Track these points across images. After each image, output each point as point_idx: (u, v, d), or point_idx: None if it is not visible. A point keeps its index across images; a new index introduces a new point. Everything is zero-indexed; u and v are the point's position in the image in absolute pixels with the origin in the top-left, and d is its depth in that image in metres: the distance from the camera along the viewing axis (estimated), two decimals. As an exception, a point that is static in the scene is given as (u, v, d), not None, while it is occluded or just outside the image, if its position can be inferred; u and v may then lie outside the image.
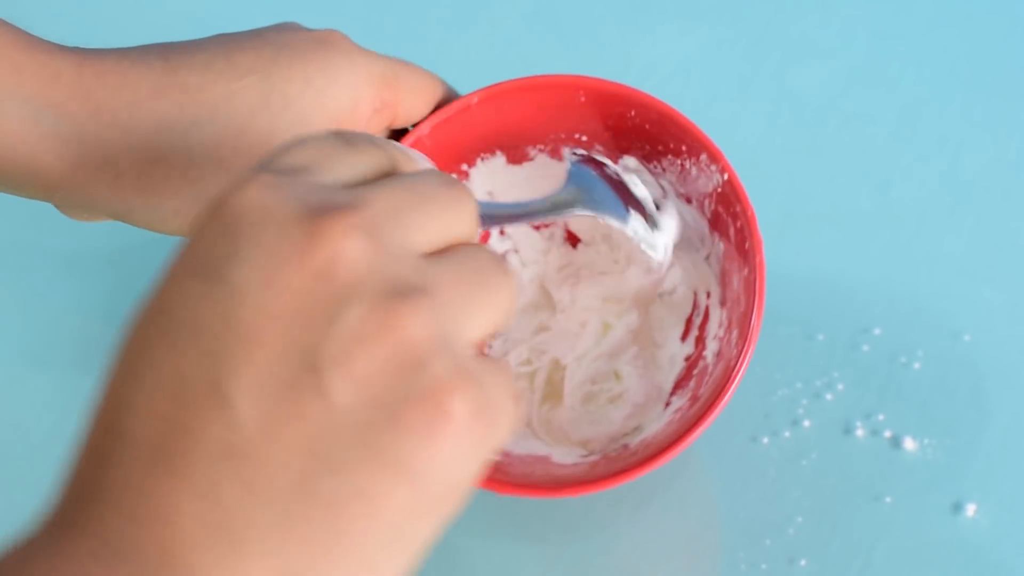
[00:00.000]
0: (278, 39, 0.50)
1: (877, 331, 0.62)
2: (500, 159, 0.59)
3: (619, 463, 0.53)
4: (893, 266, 0.63)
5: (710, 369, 0.55)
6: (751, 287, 0.53)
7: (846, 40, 0.69)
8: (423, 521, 0.32)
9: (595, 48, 0.68)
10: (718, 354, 0.55)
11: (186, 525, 0.30)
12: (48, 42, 0.47)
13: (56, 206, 0.51)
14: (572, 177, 0.52)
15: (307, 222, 0.31)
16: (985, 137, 0.66)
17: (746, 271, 0.53)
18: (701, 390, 0.54)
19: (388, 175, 0.35)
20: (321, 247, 0.31)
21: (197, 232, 0.32)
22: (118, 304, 0.65)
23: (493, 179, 0.59)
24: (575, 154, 0.55)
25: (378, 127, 0.53)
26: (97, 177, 0.47)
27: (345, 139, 0.35)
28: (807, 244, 0.63)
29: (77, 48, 0.48)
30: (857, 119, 0.67)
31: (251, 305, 0.30)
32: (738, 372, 0.52)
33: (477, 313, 0.33)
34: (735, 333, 0.53)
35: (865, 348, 0.61)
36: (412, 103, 0.53)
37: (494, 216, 0.48)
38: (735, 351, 0.52)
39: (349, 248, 0.31)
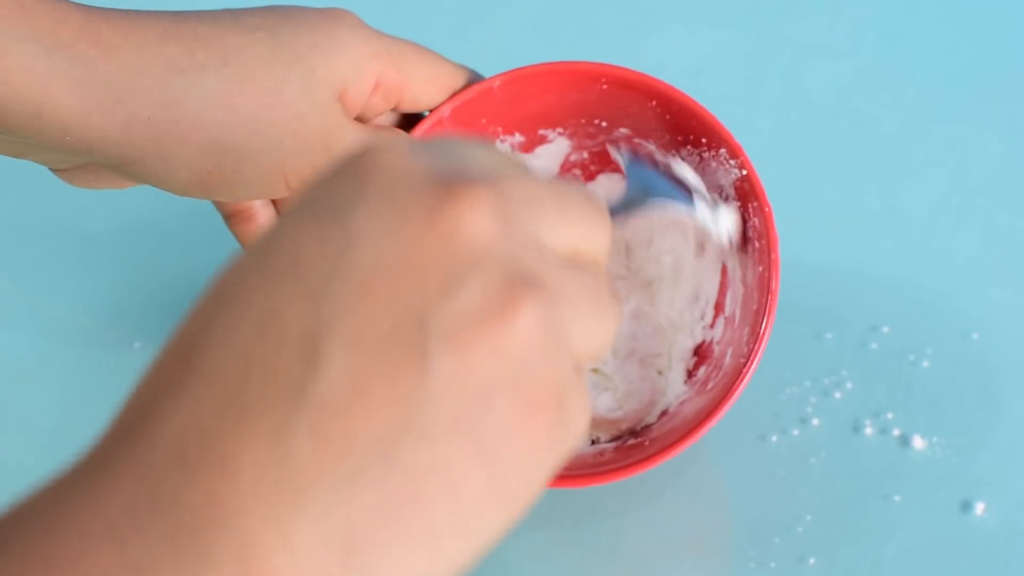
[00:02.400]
0: (284, 10, 0.50)
1: (886, 329, 0.61)
2: (518, 141, 0.59)
3: (630, 456, 0.53)
4: (902, 265, 0.63)
5: (724, 365, 0.55)
6: (764, 284, 0.53)
7: (855, 41, 0.69)
8: (495, 513, 0.30)
9: (603, 48, 0.68)
10: (731, 349, 0.55)
11: (245, 474, 0.27)
12: None
13: (59, 171, 0.50)
14: (631, 175, 0.51)
15: (442, 185, 0.30)
16: (993, 137, 0.66)
17: (761, 268, 0.53)
18: (710, 384, 0.54)
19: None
20: (452, 210, 0.30)
21: (320, 179, 0.31)
22: (125, 302, 0.65)
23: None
24: (623, 152, 0.54)
25: (381, 105, 0.52)
26: (108, 119, 0.46)
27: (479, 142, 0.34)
28: (816, 243, 0.63)
29: (82, 3, 0.47)
30: (866, 119, 0.67)
31: (366, 252, 0.29)
32: (750, 367, 0.51)
33: (588, 329, 0.32)
34: (747, 329, 0.53)
35: (874, 347, 0.61)
36: (422, 88, 0.53)
37: None
38: (747, 347, 0.52)
39: (480, 219, 0.30)
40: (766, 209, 0.53)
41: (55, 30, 0.45)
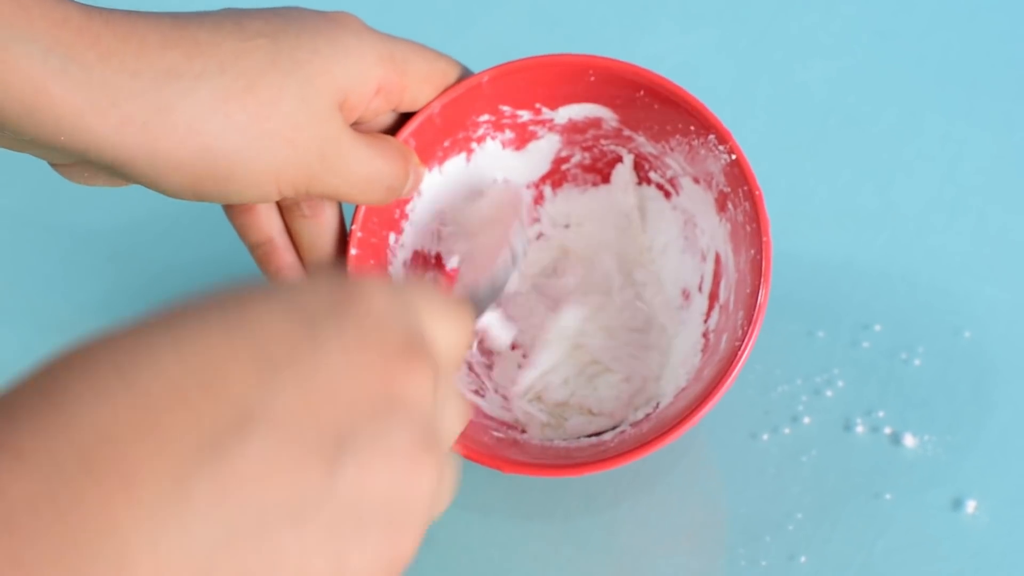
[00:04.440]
0: (287, 13, 0.50)
1: (878, 328, 0.61)
2: (509, 138, 0.59)
3: (628, 444, 0.53)
4: (894, 263, 0.63)
5: (719, 351, 0.55)
6: (757, 267, 0.53)
7: (848, 38, 0.69)
8: None
9: (596, 46, 0.68)
10: (726, 335, 0.55)
11: (144, 495, 0.29)
12: None
13: (57, 166, 0.50)
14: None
15: (405, 348, 0.35)
16: (986, 135, 0.66)
17: (752, 252, 0.54)
18: (706, 371, 0.54)
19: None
20: (405, 370, 0.34)
21: (313, 287, 0.35)
22: (118, 300, 0.65)
23: (501, 159, 0.59)
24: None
25: (381, 108, 0.53)
26: (103, 122, 0.46)
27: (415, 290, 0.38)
28: (808, 241, 0.63)
29: (83, 3, 0.47)
30: (858, 117, 0.67)
31: (322, 363, 0.33)
32: (744, 349, 0.52)
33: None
34: (741, 314, 0.54)
35: (865, 345, 0.61)
36: (420, 88, 0.53)
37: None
38: (741, 330, 0.53)
39: (422, 386, 0.35)
40: (756, 193, 0.54)
41: (53, 30, 0.45)
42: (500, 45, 0.69)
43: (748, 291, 0.54)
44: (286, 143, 0.49)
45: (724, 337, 0.55)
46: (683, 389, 0.56)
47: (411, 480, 0.34)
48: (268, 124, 0.48)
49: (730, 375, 0.51)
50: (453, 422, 0.38)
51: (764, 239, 0.53)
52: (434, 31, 0.69)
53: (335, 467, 0.32)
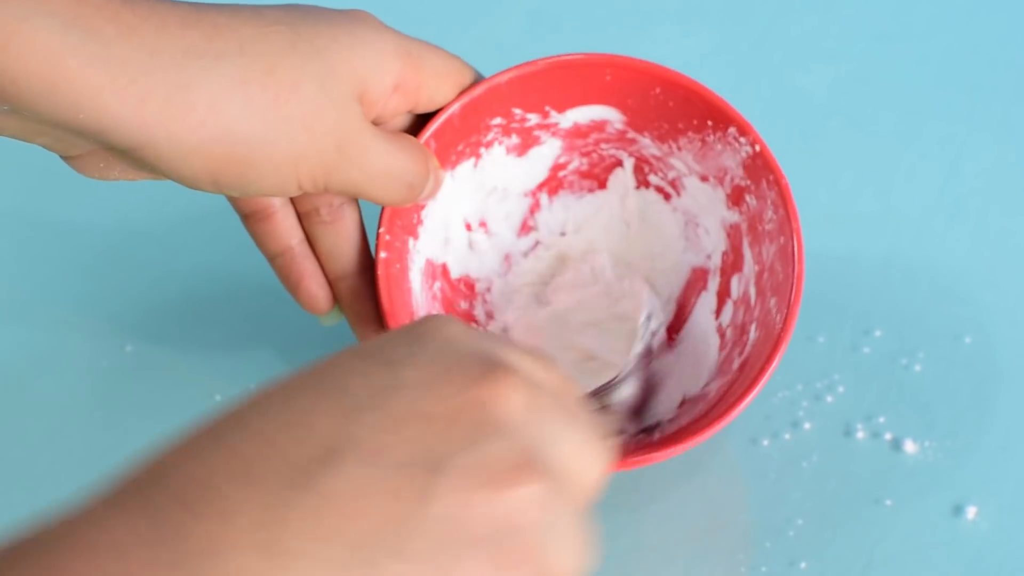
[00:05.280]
0: (304, 8, 0.50)
1: (878, 333, 0.61)
2: (514, 143, 0.59)
3: (665, 441, 0.53)
4: (894, 268, 0.63)
5: (747, 341, 0.55)
6: (789, 255, 0.54)
7: (847, 41, 0.69)
8: None
9: (598, 47, 0.68)
10: (754, 325, 0.55)
11: (243, 524, 0.31)
12: None
13: (70, 159, 0.50)
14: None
15: (488, 363, 0.35)
16: (986, 139, 0.66)
17: (782, 239, 0.54)
18: (735, 363, 0.55)
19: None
20: (491, 384, 0.34)
21: (384, 335, 0.36)
22: (117, 305, 0.65)
23: (503, 166, 0.59)
24: None
25: (399, 107, 0.52)
26: (122, 99, 0.45)
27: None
28: (808, 245, 0.63)
29: None
30: (858, 120, 0.67)
31: (405, 396, 0.34)
32: (787, 332, 0.53)
33: (566, 545, 0.35)
34: (774, 300, 0.54)
35: (866, 350, 0.61)
36: (437, 87, 0.53)
37: None
38: (779, 315, 0.53)
39: (513, 399, 0.34)
40: (783, 181, 0.54)
41: (72, 6, 0.45)
42: (500, 49, 0.69)
43: (780, 279, 0.54)
44: (305, 129, 0.48)
45: (752, 327, 0.55)
46: (707, 384, 0.56)
47: (513, 496, 0.33)
48: (287, 108, 0.47)
49: (777, 353, 0.52)
50: (569, 437, 0.37)
51: (794, 225, 0.54)
52: (434, 34, 0.69)
53: (428, 495, 0.32)
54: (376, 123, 0.52)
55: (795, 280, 0.53)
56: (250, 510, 0.31)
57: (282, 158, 0.48)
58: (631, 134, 0.58)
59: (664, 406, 0.58)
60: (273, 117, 0.47)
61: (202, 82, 0.46)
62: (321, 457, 0.32)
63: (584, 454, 0.37)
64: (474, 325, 0.59)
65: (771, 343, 0.53)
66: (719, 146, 0.56)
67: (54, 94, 0.45)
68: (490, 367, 0.35)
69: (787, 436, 0.60)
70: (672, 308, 0.61)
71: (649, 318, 0.59)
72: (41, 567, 0.31)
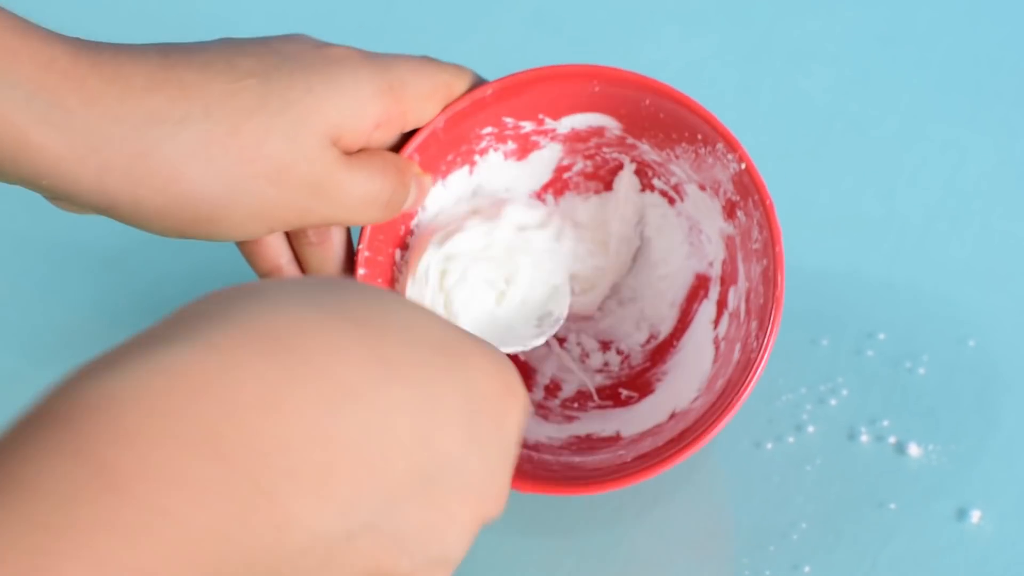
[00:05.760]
0: (283, 49, 0.50)
1: (882, 336, 0.61)
2: (511, 149, 0.58)
3: (648, 458, 0.53)
4: (898, 271, 0.63)
5: (731, 361, 0.55)
6: (770, 280, 0.53)
7: (850, 44, 0.69)
8: None
9: (599, 52, 0.68)
10: (738, 345, 0.55)
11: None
12: (45, 29, 0.46)
13: (44, 196, 0.50)
14: None
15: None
16: (989, 142, 0.66)
17: (765, 262, 0.53)
18: (719, 382, 0.54)
19: None
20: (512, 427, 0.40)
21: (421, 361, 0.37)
22: (118, 310, 0.64)
23: (503, 170, 0.59)
24: None
25: (384, 139, 0.52)
26: (83, 168, 0.46)
27: None
28: (811, 249, 0.63)
29: (74, 38, 0.47)
30: (861, 123, 0.67)
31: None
32: (759, 365, 0.52)
33: None
34: (755, 324, 0.53)
35: (870, 353, 0.61)
36: (423, 108, 0.53)
37: None
38: (756, 341, 0.53)
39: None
40: (767, 202, 0.53)
41: (38, 74, 0.45)
42: (502, 53, 0.69)
43: (761, 303, 0.53)
44: (272, 184, 0.48)
45: (737, 347, 0.55)
46: (695, 399, 0.56)
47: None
48: (251, 167, 0.48)
49: (747, 386, 0.52)
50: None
51: (776, 249, 0.53)
52: (435, 39, 0.69)
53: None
54: (361, 151, 0.52)
55: (773, 309, 0.53)
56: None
57: (247, 214, 0.49)
58: (630, 139, 0.58)
59: (651, 416, 0.58)
60: (236, 176, 0.48)
61: (164, 148, 0.46)
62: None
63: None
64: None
65: (747, 370, 0.53)
66: (710, 159, 0.56)
67: (17, 162, 0.46)
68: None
69: (791, 439, 0.59)
70: (676, 314, 0.60)
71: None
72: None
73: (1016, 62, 0.68)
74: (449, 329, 0.39)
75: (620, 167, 0.60)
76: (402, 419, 0.35)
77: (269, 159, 0.48)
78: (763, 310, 0.53)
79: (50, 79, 0.45)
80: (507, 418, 0.39)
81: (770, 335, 0.52)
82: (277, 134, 0.48)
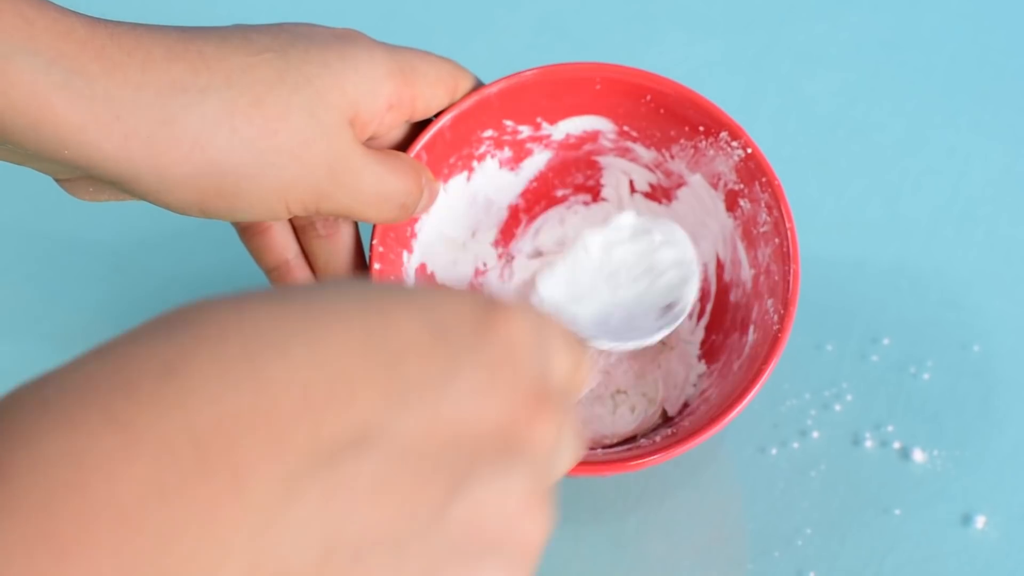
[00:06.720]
0: (295, 29, 0.50)
1: (886, 341, 0.61)
2: (507, 156, 0.58)
3: (664, 444, 0.53)
4: (902, 276, 0.63)
5: (745, 344, 0.55)
6: (784, 255, 0.53)
7: (855, 50, 0.69)
8: None
9: (604, 56, 0.68)
10: (752, 326, 0.55)
11: (252, 485, 0.29)
12: (60, 5, 0.46)
13: (61, 182, 0.50)
14: None
15: (538, 392, 0.33)
16: (995, 147, 0.66)
17: (777, 240, 0.54)
18: (736, 365, 0.55)
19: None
20: (531, 416, 0.33)
21: (453, 297, 0.33)
22: (120, 313, 0.65)
23: (496, 179, 0.59)
24: None
25: (395, 122, 0.52)
26: (106, 136, 0.45)
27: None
28: (816, 254, 0.63)
29: (88, 15, 0.47)
30: (866, 129, 0.67)
31: (454, 399, 0.32)
32: (785, 332, 0.52)
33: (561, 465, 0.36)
34: (771, 301, 0.54)
35: (874, 358, 0.61)
36: (432, 95, 0.53)
37: None
38: (776, 315, 0.53)
39: (549, 436, 0.33)
40: (775, 182, 0.54)
41: (57, 43, 0.45)
42: (506, 55, 0.69)
43: (777, 279, 0.54)
44: (294, 159, 0.48)
45: (751, 328, 0.55)
46: (708, 388, 0.56)
47: (521, 527, 0.33)
48: (276, 139, 0.47)
49: (775, 353, 0.52)
50: (564, 464, 0.36)
51: (788, 225, 0.54)
52: (440, 40, 0.69)
53: (448, 501, 0.31)
54: (372, 138, 0.52)
55: (792, 279, 0.53)
56: (263, 482, 0.29)
57: (271, 188, 0.48)
58: (624, 143, 0.58)
59: (646, 419, 0.58)
60: (261, 148, 0.47)
61: (187, 116, 0.46)
62: (353, 440, 0.30)
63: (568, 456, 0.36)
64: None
65: (768, 343, 0.53)
66: (711, 151, 0.56)
67: (39, 131, 0.45)
68: (539, 393, 0.33)
69: (795, 445, 0.59)
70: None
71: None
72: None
73: (1022, 66, 0.68)
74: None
75: (611, 174, 0.60)
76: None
77: (292, 133, 0.47)
78: (779, 286, 0.54)
79: (69, 48, 0.45)
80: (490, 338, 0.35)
81: (790, 304, 0.52)
82: (299, 108, 0.48)
